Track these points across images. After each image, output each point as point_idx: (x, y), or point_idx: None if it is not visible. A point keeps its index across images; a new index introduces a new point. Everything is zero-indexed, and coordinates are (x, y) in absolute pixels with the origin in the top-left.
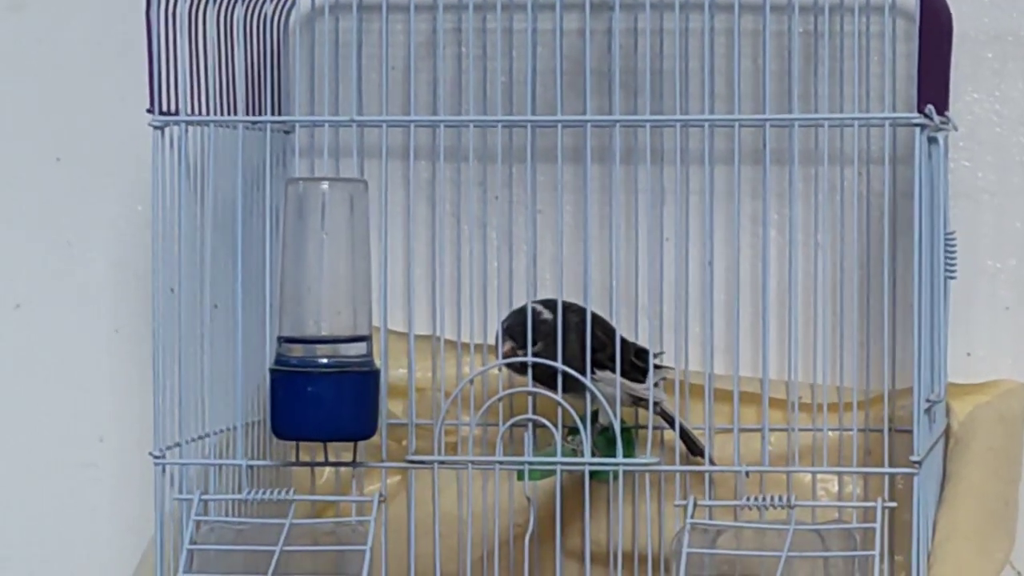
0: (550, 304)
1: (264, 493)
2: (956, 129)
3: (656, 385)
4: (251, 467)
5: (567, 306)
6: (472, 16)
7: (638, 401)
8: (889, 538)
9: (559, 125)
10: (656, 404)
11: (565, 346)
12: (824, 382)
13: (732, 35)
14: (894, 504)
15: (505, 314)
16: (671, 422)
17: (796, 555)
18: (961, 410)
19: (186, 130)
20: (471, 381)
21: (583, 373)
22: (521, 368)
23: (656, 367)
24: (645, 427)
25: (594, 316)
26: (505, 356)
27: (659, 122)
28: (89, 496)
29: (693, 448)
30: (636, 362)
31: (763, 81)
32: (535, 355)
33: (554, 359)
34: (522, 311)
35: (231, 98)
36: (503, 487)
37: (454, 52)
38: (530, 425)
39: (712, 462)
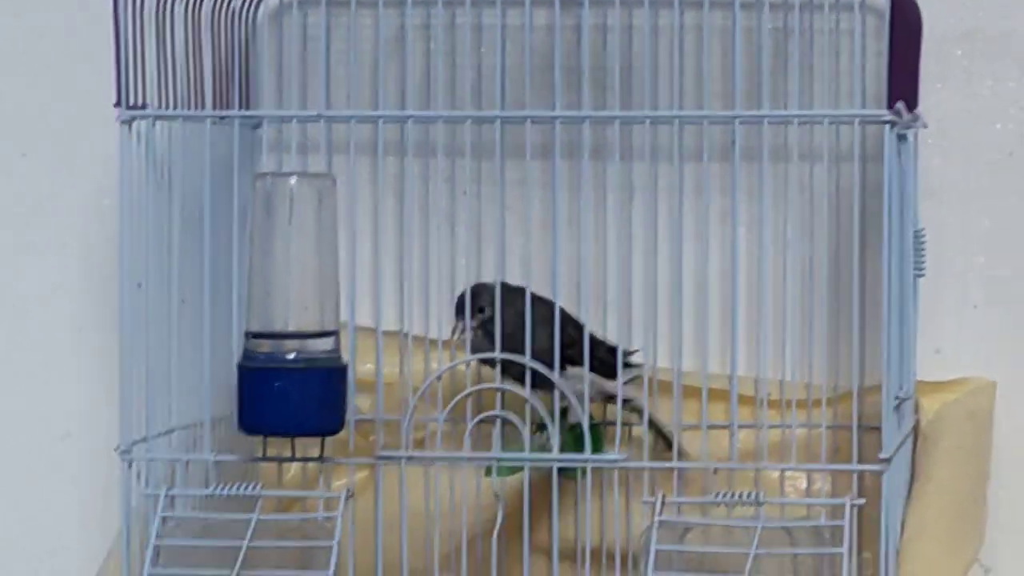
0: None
1: (231, 488)
2: (926, 126)
3: (628, 383)
4: (218, 462)
5: (535, 298)
6: (441, 11)
7: (609, 398)
8: (857, 535)
9: (528, 121)
10: (627, 401)
11: (534, 340)
12: (793, 379)
13: (702, 31)
14: (862, 501)
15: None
16: (641, 416)
17: (764, 552)
18: (930, 407)
19: (153, 124)
20: (439, 377)
21: (551, 368)
22: (490, 360)
23: (628, 365)
24: (614, 423)
25: (564, 312)
26: (457, 334)
27: (628, 118)
28: (55, 492)
29: (665, 442)
30: (607, 359)
31: (733, 78)
32: (484, 322)
33: (505, 325)
34: (478, 284)
35: (199, 92)
36: (471, 483)
37: (423, 47)
38: (498, 421)
39: (682, 454)
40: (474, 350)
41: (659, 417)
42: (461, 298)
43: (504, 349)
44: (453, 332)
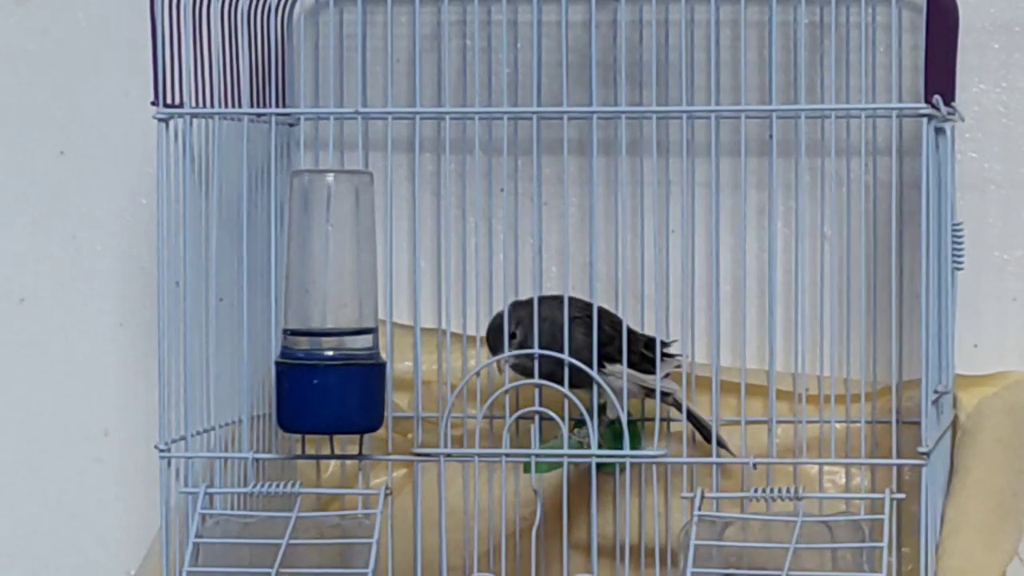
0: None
1: (270, 486)
2: (963, 120)
3: (666, 376)
4: (257, 460)
5: (572, 301)
6: (477, 8)
7: (649, 392)
8: (897, 530)
9: (564, 117)
10: (667, 395)
11: (571, 341)
12: (831, 374)
13: (738, 26)
14: (902, 496)
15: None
16: (680, 410)
17: (804, 547)
18: (968, 402)
19: (190, 123)
20: (477, 374)
21: (588, 367)
22: (527, 370)
23: (666, 356)
24: (652, 419)
25: (601, 310)
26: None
27: (665, 114)
28: (95, 490)
29: (704, 433)
30: (646, 353)
31: (769, 72)
32: (522, 342)
33: (542, 333)
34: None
35: (235, 90)
36: (509, 480)
37: (459, 44)
38: (536, 417)
39: (722, 445)
40: (518, 371)
41: (697, 410)
42: (491, 330)
43: (541, 360)
44: (499, 369)
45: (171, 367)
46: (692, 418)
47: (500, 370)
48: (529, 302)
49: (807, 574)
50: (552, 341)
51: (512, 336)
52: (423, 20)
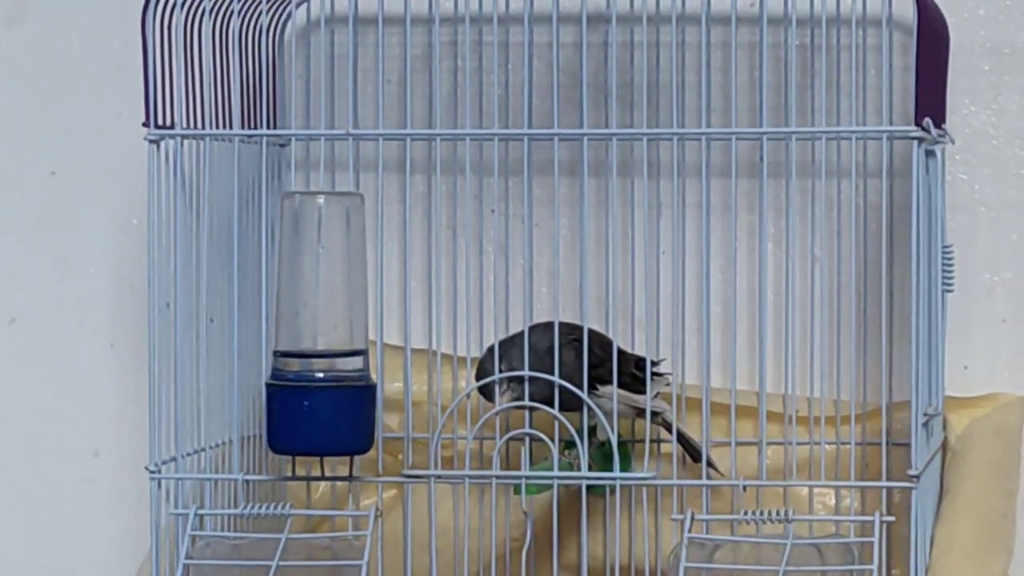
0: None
1: (260, 508)
2: (953, 142)
3: (656, 396)
4: (247, 481)
5: (562, 326)
6: (468, 29)
7: (640, 412)
8: (887, 552)
9: (555, 138)
10: (657, 415)
11: (561, 366)
12: (821, 395)
13: (729, 48)
14: (892, 518)
15: (499, 333)
16: (670, 430)
17: (794, 570)
18: (958, 423)
19: (181, 144)
20: (467, 395)
21: (580, 389)
22: (519, 398)
23: (656, 375)
24: (642, 441)
25: (591, 332)
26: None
27: (656, 135)
28: (85, 510)
29: (694, 454)
30: (636, 373)
31: (760, 94)
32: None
33: (533, 356)
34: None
35: (227, 112)
36: (500, 501)
37: (450, 65)
38: (527, 439)
39: (712, 466)
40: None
41: (687, 431)
42: (482, 362)
43: (533, 388)
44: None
45: (161, 388)
46: (682, 439)
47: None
48: (515, 337)
49: None
50: (541, 368)
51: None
52: (414, 41)
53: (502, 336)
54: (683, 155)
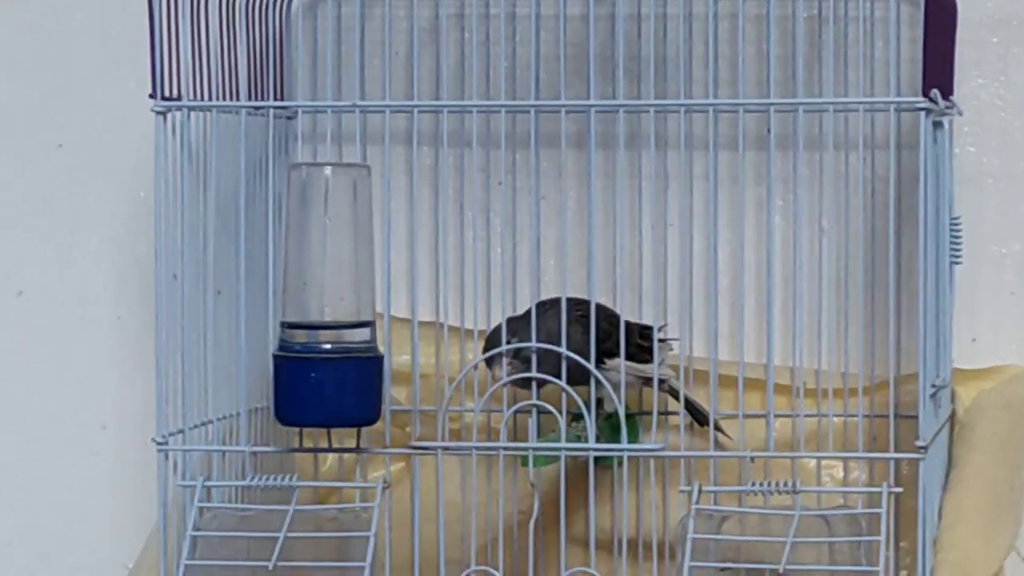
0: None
1: (268, 479)
2: (961, 114)
3: (662, 363)
4: (254, 453)
5: (570, 301)
6: (475, 1)
7: (647, 382)
8: (895, 524)
9: (563, 110)
10: (663, 382)
11: (569, 341)
12: (829, 368)
13: (736, 20)
14: (900, 490)
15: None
16: (677, 396)
17: (801, 540)
18: (966, 396)
19: (188, 116)
20: (475, 367)
21: (588, 362)
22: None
23: (661, 342)
24: (650, 413)
25: (598, 307)
26: (497, 379)
27: (663, 107)
28: (92, 483)
29: (700, 419)
30: (642, 343)
31: (767, 66)
32: (518, 351)
33: (540, 331)
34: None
35: (233, 83)
36: (507, 473)
37: (457, 37)
38: (534, 411)
39: (719, 429)
40: (518, 385)
41: (695, 398)
42: (490, 337)
43: (540, 360)
44: (493, 375)
45: (169, 360)
46: (689, 405)
47: (495, 378)
48: (523, 316)
49: (805, 567)
50: (550, 338)
51: (509, 341)
52: (421, 13)
53: (509, 309)
54: (691, 127)
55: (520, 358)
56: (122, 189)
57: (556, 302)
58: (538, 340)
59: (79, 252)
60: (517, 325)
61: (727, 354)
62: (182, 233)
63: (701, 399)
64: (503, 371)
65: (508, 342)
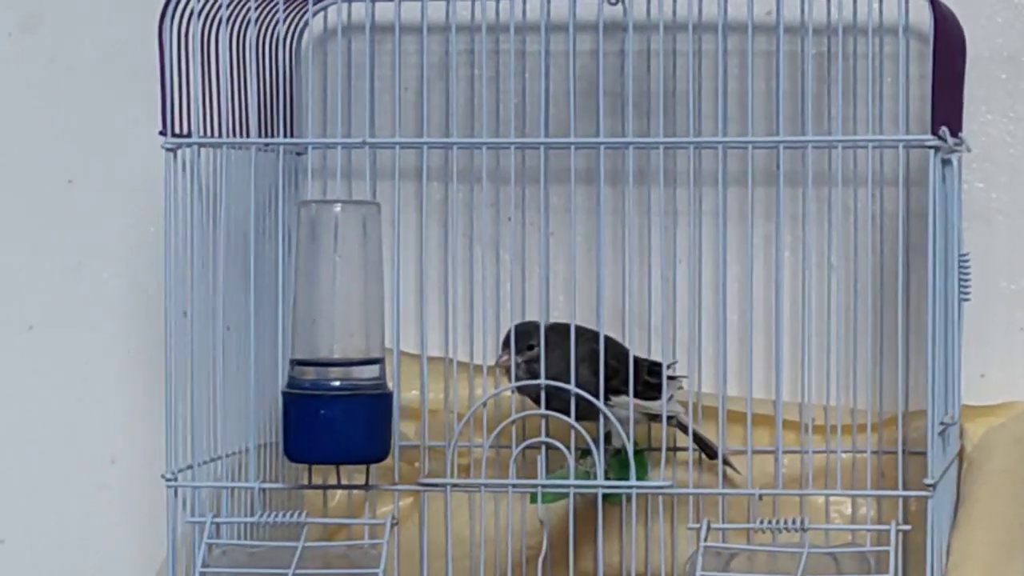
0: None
1: (276, 516)
2: (969, 150)
3: (671, 398)
4: (263, 490)
5: (579, 331)
6: (485, 37)
7: (653, 418)
8: (903, 561)
9: (572, 147)
10: (671, 417)
11: (578, 376)
12: (838, 404)
13: (745, 56)
14: (908, 527)
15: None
16: (686, 431)
17: None
18: (975, 432)
19: (198, 152)
20: (484, 403)
21: (596, 399)
22: (533, 395)
23: (670, 379)
24: (658, 449)
25: (607, 341)
26: (501, 364)
27: (672, 144)
28: (101, 518)
29: (709, 452)
30: (649, 380)
31: (776, 103)
32: (531, 359)
33: (549, 365)
34: (525, 322)
35: (243, 120)
36: (516, 510)
37: (467, 73)
38: (543, 447)
39: (728, 463)
40: (519, 386)
41: (702, 432)
42: (509, 333)
43: (549, 388)
44: (497, 361)
45: (178, 396)
46: (697, 439)
47: (505, 372)
48: (535, 330)
49: None
50: (560, 372)
51: (529, 347)
52: (431, 49)
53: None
54: (700, 163)
55: (528, 366)
56: (132, 225)
57: (566, 331)
58: (551, 364)
59: (89, 287)
60: (533, 339)
61: (735, 390)
62: (192, 269)
63: (710, 435)
64: (512, 371)
65: (530, 345)
